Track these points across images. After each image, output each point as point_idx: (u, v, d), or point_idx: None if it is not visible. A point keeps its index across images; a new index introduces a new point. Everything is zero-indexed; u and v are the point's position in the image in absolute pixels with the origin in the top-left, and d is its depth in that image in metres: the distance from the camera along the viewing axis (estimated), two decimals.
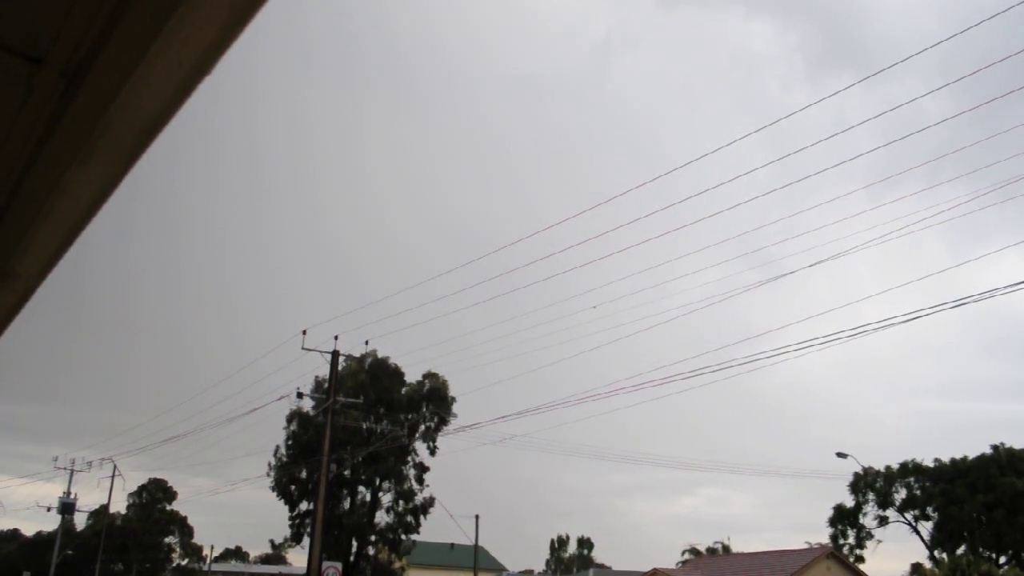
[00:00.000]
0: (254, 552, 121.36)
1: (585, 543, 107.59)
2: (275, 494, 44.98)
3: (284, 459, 45.16)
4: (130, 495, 79.01)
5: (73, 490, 55.14)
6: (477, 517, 54.63)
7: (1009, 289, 16.17)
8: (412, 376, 46.60)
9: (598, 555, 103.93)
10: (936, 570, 24.90)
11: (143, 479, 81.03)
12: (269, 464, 45.26)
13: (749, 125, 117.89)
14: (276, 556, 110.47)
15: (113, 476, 55.45)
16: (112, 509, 64.57)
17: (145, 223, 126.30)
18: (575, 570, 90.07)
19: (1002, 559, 42.72)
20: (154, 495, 79.96)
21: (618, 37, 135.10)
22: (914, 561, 50.39)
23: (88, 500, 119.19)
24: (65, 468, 54.19)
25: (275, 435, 50.03)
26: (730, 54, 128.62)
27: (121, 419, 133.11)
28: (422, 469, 45.83)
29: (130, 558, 74.00)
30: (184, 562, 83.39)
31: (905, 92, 79.27)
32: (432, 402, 45.73)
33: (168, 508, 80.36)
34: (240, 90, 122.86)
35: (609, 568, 76.93)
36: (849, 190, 46.64)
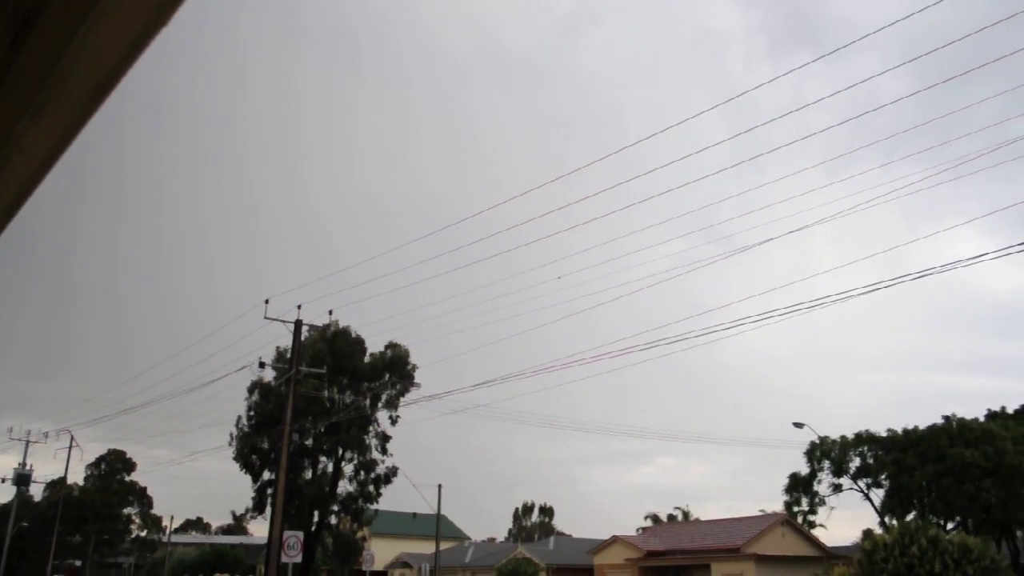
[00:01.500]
0: (216, 523, 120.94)
1: (547, 511, 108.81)
2: (237, 465, 44.77)
3: (246, 429, 44.84)
4: (88, 466, 78.03)
5: (29, 461, 54.33)
6: (440, 486, 54.89)
7: (942, 268, 16.58)
8: (374, 346, 46.51)
9: (558, 524, 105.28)
10: (886, 535, 25.64)
11: (102, 450, 80.00)
12: (231, 434, 44.97)
13: (711, 103, 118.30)
14: (238, 527, 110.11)
15: (70, 447, 54.69)
16: (70, 480, 63.72)
17: (125, 190, 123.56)
18: (536, 538, 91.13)
19: (949, 525, 44.06)
20: (113, 466, 78.96)
21: (585, 13, 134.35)
22: (865, 527, 51.84)
23: (45, 471, 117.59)
24: (20, 439, 53.32)
25: (237, 405, 49.64)
26: (693, 32, 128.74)
27: (78, 391, 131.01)
28: (384, 439, 45.77)
29: (88, 529, 73.18)
30: (143, 533, 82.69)
31: (864, 72, 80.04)
32: (394, 371, 45.60)
33: (127, 479, 79.43)
34: (222, 58, 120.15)
35: (570, 536, 77.94)
36: (808, 166, 47.13)
